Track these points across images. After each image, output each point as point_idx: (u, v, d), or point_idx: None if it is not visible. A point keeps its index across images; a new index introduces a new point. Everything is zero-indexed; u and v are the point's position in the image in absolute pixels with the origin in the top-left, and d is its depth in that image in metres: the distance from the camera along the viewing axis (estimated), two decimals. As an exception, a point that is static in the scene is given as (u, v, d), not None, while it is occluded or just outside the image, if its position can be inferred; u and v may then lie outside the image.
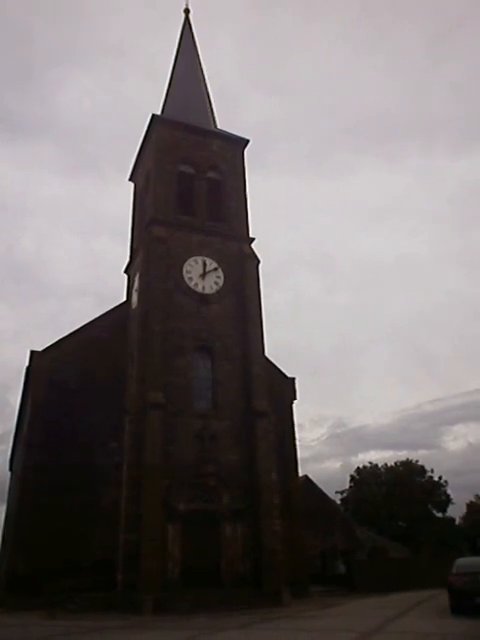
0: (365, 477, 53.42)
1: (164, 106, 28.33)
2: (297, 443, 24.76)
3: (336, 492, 51.45)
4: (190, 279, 22.12)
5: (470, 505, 56.22)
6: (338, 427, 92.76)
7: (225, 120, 28.49)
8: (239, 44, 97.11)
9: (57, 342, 22.35)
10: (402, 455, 73.22)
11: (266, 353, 22.56)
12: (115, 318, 23.71)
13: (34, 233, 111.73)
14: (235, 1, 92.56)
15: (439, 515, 52.58)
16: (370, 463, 54.97)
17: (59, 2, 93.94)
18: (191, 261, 22.47)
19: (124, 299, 24.99)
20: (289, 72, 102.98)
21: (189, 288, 21.96)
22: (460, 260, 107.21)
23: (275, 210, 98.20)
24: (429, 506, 51.81)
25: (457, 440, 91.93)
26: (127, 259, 26.35)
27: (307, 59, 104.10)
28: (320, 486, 36.36)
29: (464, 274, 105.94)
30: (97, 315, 23.69)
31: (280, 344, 58.60)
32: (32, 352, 21.82)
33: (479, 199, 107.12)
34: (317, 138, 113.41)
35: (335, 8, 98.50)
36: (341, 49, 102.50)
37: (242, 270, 23.03)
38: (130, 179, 28.77)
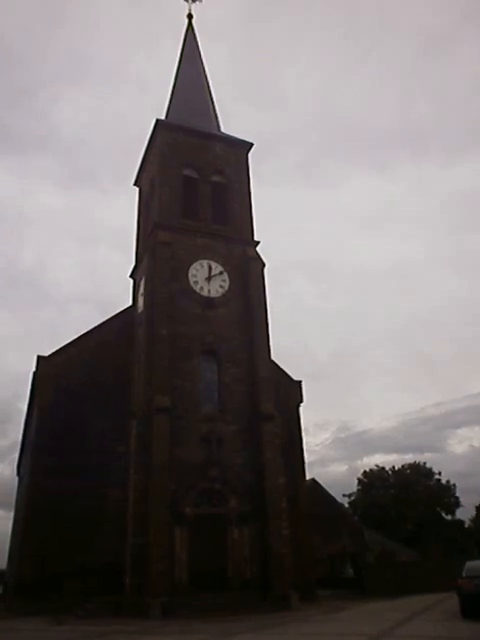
0: (372, 480, 53.10)
1: (168, 111, 28.42)
2: (304, 446, 24.70)
3: (343, 495, 51.31)
4: (195, 283, 22.14)
5: (479, 508, 55.73)
6: (342, 431, 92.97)
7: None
8: (230, 57, 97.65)
9: (63, 347, 22.41)
10: (407, 458, 73.03)
11: (271, 356, 22.52)
12: (121, 322, 23.76)
13: (34, 242, 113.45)
14: (225, 15, 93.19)
15: (448, 518, 52.24)
16: (377, 466, 54.79)
17: (53, 13, 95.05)
18: (196, 265, 22.48)
19: (127, 304, 25.02)
20: (280, 83, 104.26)
21: (195, 292, 21.97)
22: (455, 264, 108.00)
23: (271, 218, 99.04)
24: (438, 509, 51.48)
25: (462, 443, 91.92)
26: (127, 266, 26.60)
27: (298, 70, 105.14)
28: (327, 490, 36.18)
29: (460, 278, 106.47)
30: (99, 321, 23.80)
31: (279, 349, 58.25)
32: (38, 357, 21.90)
33: (471, 206, 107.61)
34: (310, 148, 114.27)
35: (326, 20, 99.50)
36: (332, 60, 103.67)
37: (247, 273, 23.01)
38: (135, 183, 28.86)
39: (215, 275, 22.61)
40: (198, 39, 30.91)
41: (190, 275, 22.17)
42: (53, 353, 22.13)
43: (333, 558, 31.28)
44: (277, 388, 22.32)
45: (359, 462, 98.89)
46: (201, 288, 22.16)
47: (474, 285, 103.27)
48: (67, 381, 21.68)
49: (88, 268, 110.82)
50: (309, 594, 20.06)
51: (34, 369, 21.97)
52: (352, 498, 52.63)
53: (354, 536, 34.61)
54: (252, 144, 26.43)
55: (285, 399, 24.05)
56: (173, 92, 29.17)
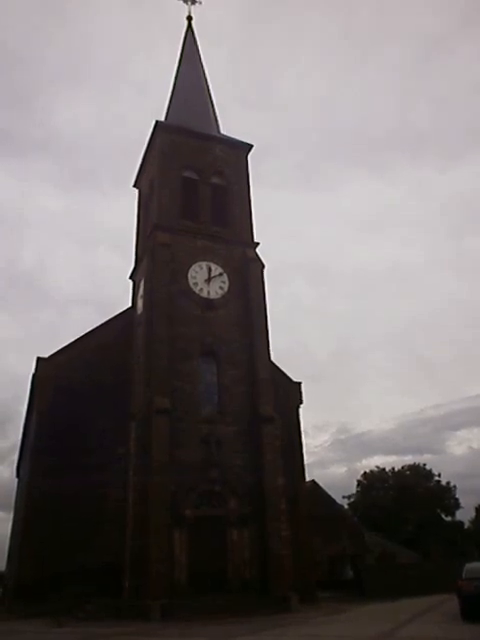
0: (372, 482, 53.12)
1: (168, 112, 28.44)
2: (304, 448, 24.69)
3: (343, 497, 51.30)
4: (195, 284, 22.14)
5: (479, 509, 55.72)
6: (341, 433, 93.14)
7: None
8: (230, 58, 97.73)
9: (63, 348, 22.38)
10: (407, 460, 73.40)
11: (271, 357, 22.51)
12: (120, 324, 23.74)
13: (34, 244, 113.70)
14: (225, 16, 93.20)
15: (448, 519, 52.21)
16: (377, 467, 54.80)
17: (53, 14, 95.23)
18: (196, 266, 22.48)
19: (127, 305, 24.98)
20: (279, 84, 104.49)
21: (194, 293, 21.97)
22: (455, 267, 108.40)
23: (271, 220, 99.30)
24: (437, 510, 51.46)
25: (461, 445, 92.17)
26: (127, 267, 26.58)
27: (297, 71, 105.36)
28: (326, 491, 36.14)
29: (460, 281, 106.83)
30: (99, 322, 23.74)
31: (278, 350, 58.22)
32: (38, 358, 21.88)
33: (470, 208, 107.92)
34: (310, 149, 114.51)
35: (326, 21, 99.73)
36: (332, 61, 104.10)
37: (247, 275, 23.01)
38: (134, 185, 28.86)
39: (215, 276, 22.61)
40: (197, 41, 30.97)
41: (189, 276, 22.17)
42: (53, 354, 22.11)
43: (333, 560, 31.27)
44: (276, 389, 22.31)
45: (358, 464, 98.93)
46: (200, 289, 22.16)
47: (474, 288, 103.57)
48: (67, 381, 21.65)
49: (88, 270, 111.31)
50: (309, 596, 20.03)
51: (33, 370, 21.96)
52: (352, 500, 52.67)
53: (354, 538, 34.61)
54: (252, 146, 26.45)
55: (285, 401, 24.04)
56: (173, 93, 29.18)
